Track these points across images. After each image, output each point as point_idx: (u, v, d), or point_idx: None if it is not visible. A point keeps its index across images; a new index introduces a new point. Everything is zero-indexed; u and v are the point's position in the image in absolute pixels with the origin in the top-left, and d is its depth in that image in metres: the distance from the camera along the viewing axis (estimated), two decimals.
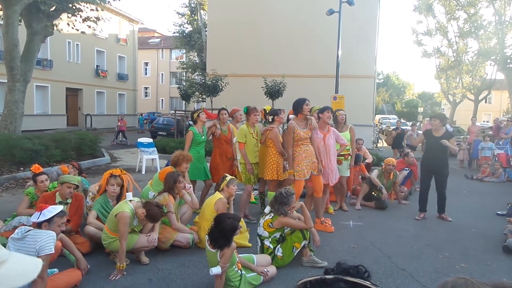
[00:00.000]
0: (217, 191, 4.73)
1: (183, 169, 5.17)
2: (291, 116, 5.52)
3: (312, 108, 5.65)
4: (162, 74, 45.90)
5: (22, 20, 10.98)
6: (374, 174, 7.10)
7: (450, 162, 6.32)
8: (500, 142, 11.89)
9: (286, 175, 5.31)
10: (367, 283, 0.91)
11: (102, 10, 14.36)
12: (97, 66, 27.93)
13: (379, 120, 33.78)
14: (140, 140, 10.53)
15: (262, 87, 14.89)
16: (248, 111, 5.85)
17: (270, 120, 5.65)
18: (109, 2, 13.80)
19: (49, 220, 3.13)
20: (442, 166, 6.00)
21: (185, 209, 4.90)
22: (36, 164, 4.95)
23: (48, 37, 12.75)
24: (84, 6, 12.44)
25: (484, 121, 35.11)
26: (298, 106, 5.13)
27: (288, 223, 4.09)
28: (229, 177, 4.77)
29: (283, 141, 5.33)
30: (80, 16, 12.54)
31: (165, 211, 4.13)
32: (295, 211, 4.33)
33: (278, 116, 5.59)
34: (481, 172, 10.92)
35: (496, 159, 11.75)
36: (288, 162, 5.11)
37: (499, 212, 6.56)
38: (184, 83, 24.01)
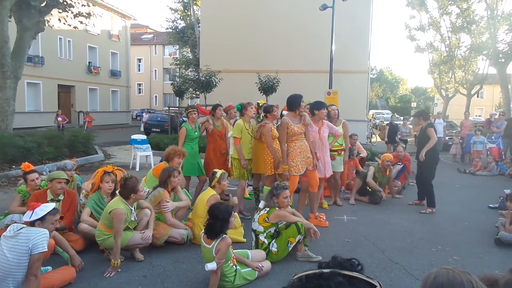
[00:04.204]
0: (209, 187, 4.73)
1: (175, 164, 5.15)
2: (285, 112, 5.52)
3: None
4: (156, 70, 45.64)
5: (12, 16, 10.83)
6: (370, 174, 6.93)
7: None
8: (492, 137, 11.98)
9: (280, 171, 5.30)
10: (363, 277, 0.90)
11: (93, 5, 14.21)
12: (89, 62, 27.65)
13: (372, 115, 33.91)
14: (134, 137, 10.47)
15: (256, 83, 14.85)
16: (244, 105, 5.82)
17: (263, 116, 5.63)
18: None
19: (41, 219, 3.10)
20: None
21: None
22: (26, 162, 4.88)
23: (39, 34, 12.61)
24: (75, 1, 12.30)
25: (476, 115, 35.41)
26: (296, 103, 5.11)
27: (284, 216, 4.10)
28: (219, 172, 4.75)
29: (279, 136, 5.32)
30: (72, 12, 12.40)
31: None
32: (290, 206, 4.34)
33: (270, 114, 5.57)
34: (473, 166, 11.02)
35: (489, 153, 11.86)
36: (282, 157, 5.11)
37: (491, 205, 6.63)
38: (178, 79, 23.87)
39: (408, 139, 14.09)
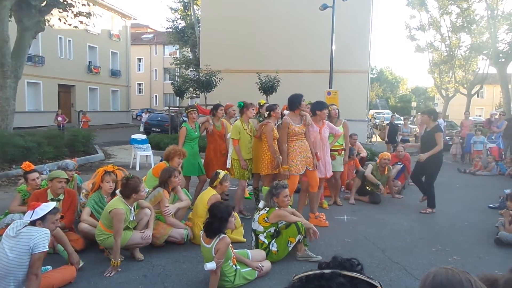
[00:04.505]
0: (209, 187, 4.72)
1: (175, 164, 5.15)
2: (286, 111, 5.52)
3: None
4: (156, 70, 45.64)
5: (12, 15, 10.83)
6: (368, 170, 7.01)
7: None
8: (493, 137, 11.97)
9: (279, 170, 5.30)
10: (364, 277, 0.90)
11: (93, 5, 14.23)
12: (89, 62, 27.66)
13: (373, 115, 33.91)
14: (134, 136, 10.47)
15: (256, 83, 14.85)
16: (246, 105, 5.80)
17: (266, 115, 5.63)
18: None
19: (42, 218, 3.10)
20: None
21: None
22: (27, 162, 4.88)
23: (40, 33, 12.60)
24: (75, 1, 12.31)
25: (476, 115, 35.39)
26: (296, 102, 5.11)
27: (284, 216, 4.11)
28: (222, 173, 4.75)
29: (279, 136, 5.32)
30: (72, 12, 12.40)
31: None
32: (290, 206, 4.34)
33: (274, 112, 5.57)
34: (473, 165, 11.01)
35: (489, 153, 11.85)
36: (282, 157, 5.11)
37: (491, 205, 6.62)
38: (178, 79, 23.87)
39: (410, 139, 14.09)
